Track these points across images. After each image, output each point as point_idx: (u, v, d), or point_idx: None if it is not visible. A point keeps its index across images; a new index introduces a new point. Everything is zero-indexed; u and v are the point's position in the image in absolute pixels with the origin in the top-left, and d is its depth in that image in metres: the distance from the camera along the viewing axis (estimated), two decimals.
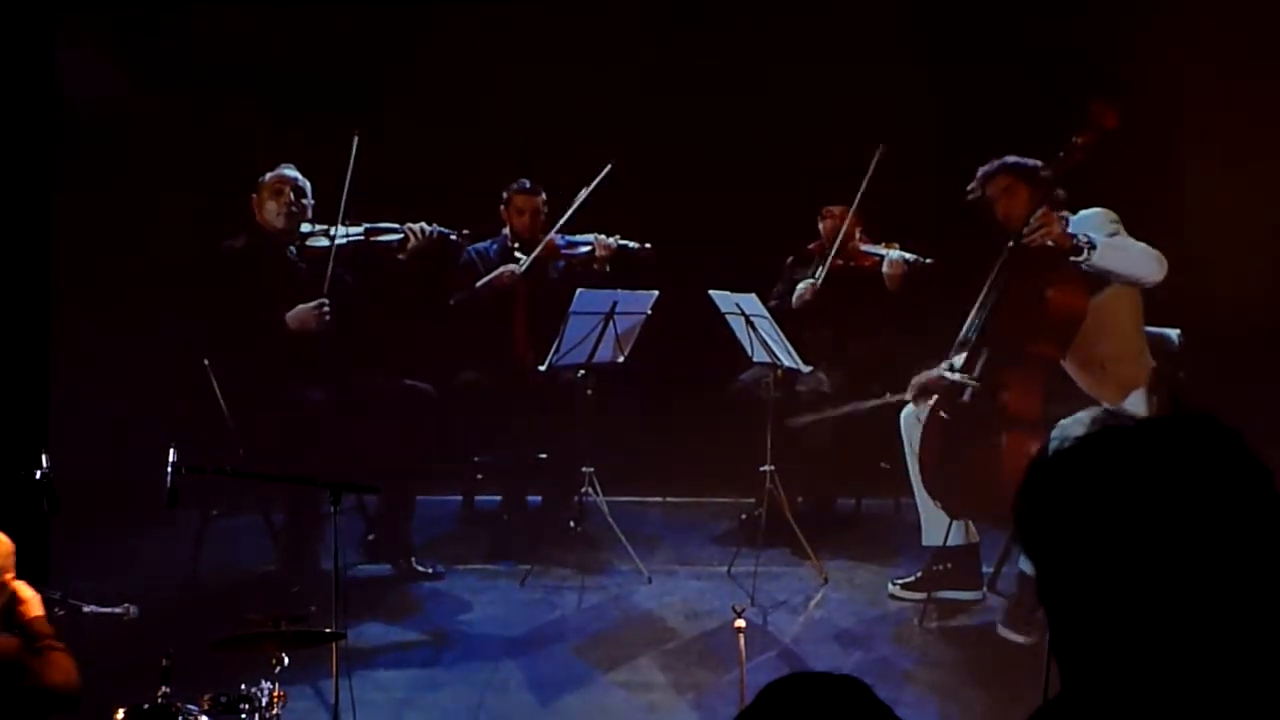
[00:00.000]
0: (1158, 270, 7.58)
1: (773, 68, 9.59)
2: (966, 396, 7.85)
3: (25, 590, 6.22)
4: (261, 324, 8.44)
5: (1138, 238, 7.73)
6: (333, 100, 9.09)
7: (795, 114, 9.52)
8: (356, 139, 8.47)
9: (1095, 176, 7.77)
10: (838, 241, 8.99)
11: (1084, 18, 8.99)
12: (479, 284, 9.11)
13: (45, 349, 8.80)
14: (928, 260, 8.77)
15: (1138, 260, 7.58)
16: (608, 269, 9.12)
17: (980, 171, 7.98)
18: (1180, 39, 8.58)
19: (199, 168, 8.93)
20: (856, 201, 8.88)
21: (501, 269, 9.11)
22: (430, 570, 8.77)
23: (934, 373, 8.19)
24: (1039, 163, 7.92)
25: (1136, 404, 7.74)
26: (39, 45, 8.88)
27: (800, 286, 9.07)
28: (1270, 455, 1.76)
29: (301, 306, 8.52)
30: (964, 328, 8.14)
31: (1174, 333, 8.04)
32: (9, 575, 6.17)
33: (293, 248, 8.68)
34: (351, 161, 8.48)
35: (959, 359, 8.07)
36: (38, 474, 7.20)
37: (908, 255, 8.83)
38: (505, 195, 9.29)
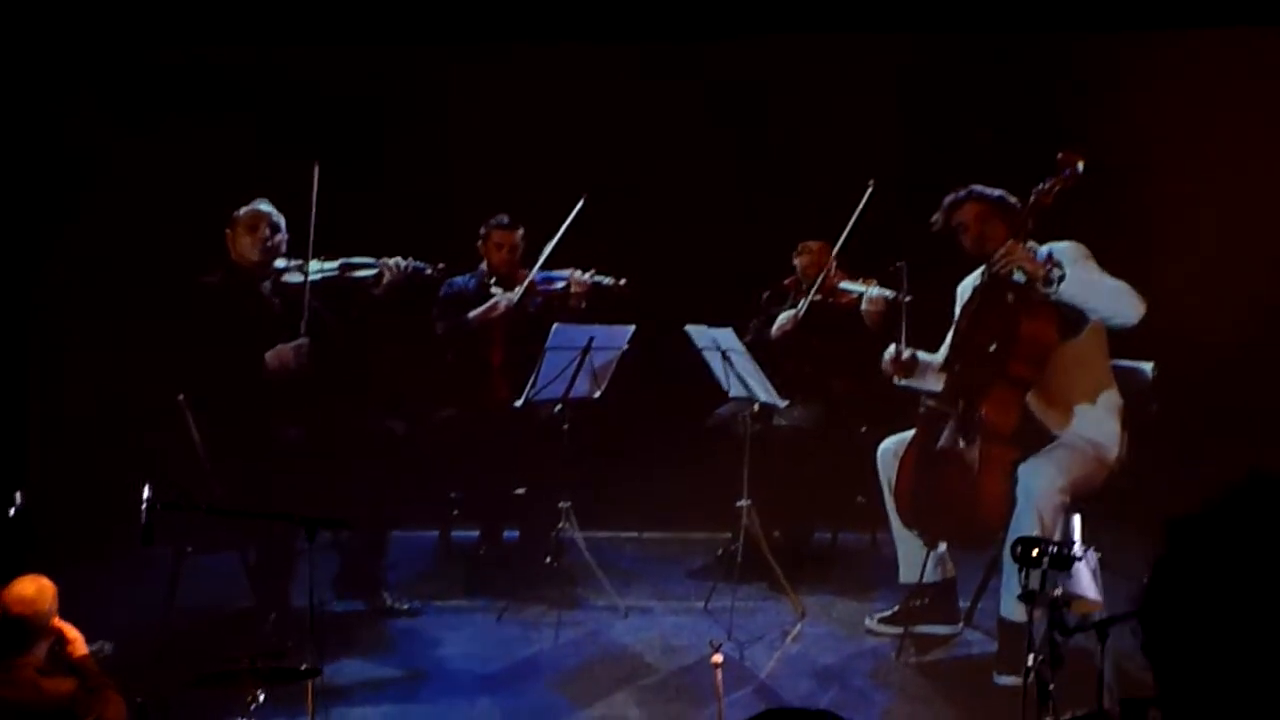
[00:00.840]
0: (1132, 307, 7.55)
1: (748, 105, 9.64)
2: (946, 429, 7.85)
3: (71, 631, 6.32)
4: (237, 360, 8.40)
5: (1111, 273, 7.73)
6: (309, 135, 9.10)
7: (771, 150, 9.58)
8: (317, 169, 8.42)
9: (1064, 212, 7.80)
10: (822, 276, 9.02)
11: (1054, 63, 9.06)
12: (471, 315, 9.12)
13: (23, 384, 8.78)
14: (907, 298, 8.79)
15: (1110, 295, 7.57)
16: (583, 305, 9.14)
17: (946, 200, 7.99)
18: (1149, 80, 8.65)
19: (175, 202, 8.93)
20: (844, 237, 8.90)
21: (495, 300, 9.12)
22: (405, 606, 8.76)
23: (907, 353, 8.16)
24: (1004, 192, 7.94)
25: (1109, 440, 7.75)
26: (25, 83, 8.87)
27: (781, 317, 9.11)
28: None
29: (281, 346, 8.47)
30: (940, 351, 8.15)
31: (1147, 366, 8.06)
32: (55, 619, 6.24)
33: (267, 283, 8.65)
34: (314, 191, 8.44)
35: (938, 382, 8.07)
36: (12, 511, 7.20)
37: (886, 292, 8.86)
38: (483, 230, 9.31)
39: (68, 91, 9.08)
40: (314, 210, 8.46)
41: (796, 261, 9.32)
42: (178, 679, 6.68)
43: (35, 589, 6.26)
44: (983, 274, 7.90)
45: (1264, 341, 8.77)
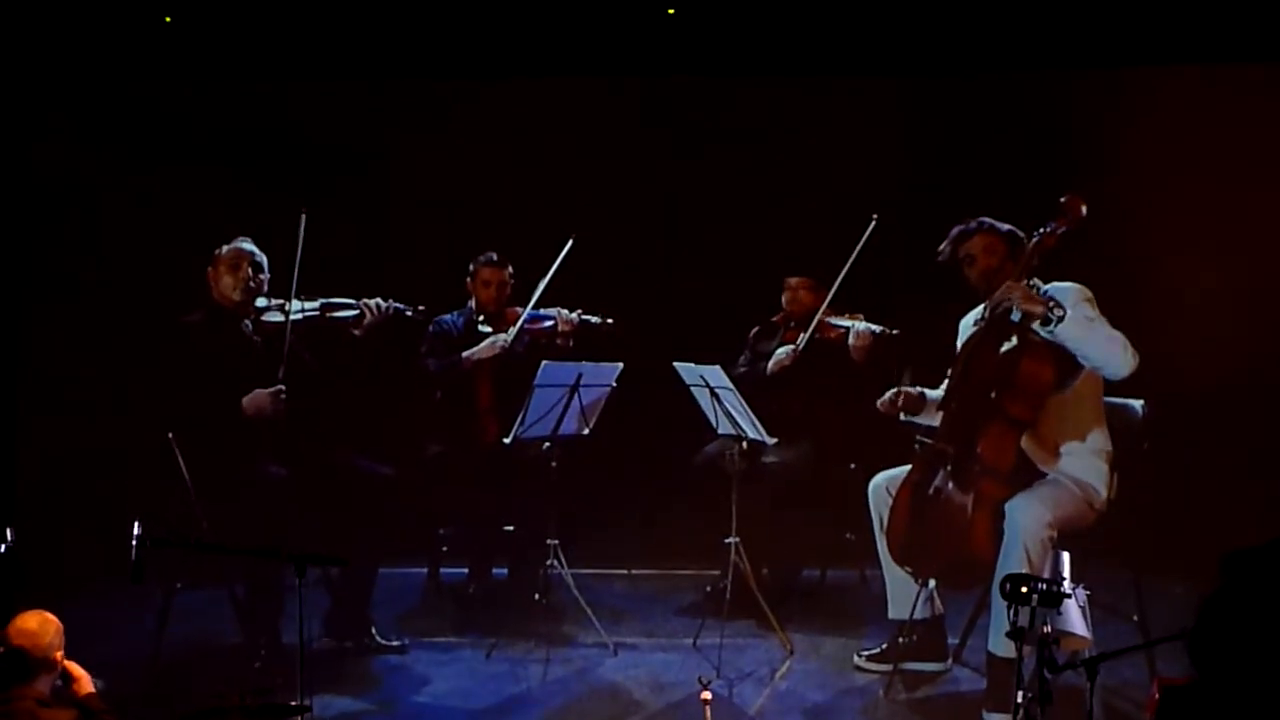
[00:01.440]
0: (1125, 361, 7.53)
1: (736, 143, 9.69)
2: (942, 468, 7.86)
3: (77, 670, 6.35)
4: (219, 399, 8.38)
5: (1103, 309, 7.75)
6: (292, 173, 9.13)
7: (758, 187, 9.62)
8: (304, 218, 8.43)
9: (1061, 252, 7.82)
10: (820, 312, 9.04)
11: (1055, 103, 9.10)
12: (466, 354, 9.13)
13: (11, 422, 8.78)
14: (894, 332, 8.82)
15: (1104, 344, 7.56)
16: (571, 344, 9.16)
17: (954, 231, 7.98)
18: (1146, 120, 8.71)
19: (159, 240, 8.94)
20: (845, 271, 8.92)
21: (492, 339, 9.13)
22: (395, 643, 8.74)
23: (914, 390, 8.17)
24: (1014, 227, 7.95)
25: (1097, 481, 7.76)
26: (5, 118, 8.89)
27: (780, 353, 9.12)
28: (1236, 520, 1.78)
29: (259, 391, 8.42)
30: (941, 388, 8.16)
31: (1138, 404, 8.08)
32: (59, 653, 6.27)
33: (248, 322, 8.63)
34: (300, 240, 8.44)
35: (936, 419, 8.08)
36: (2, 548, 7.18)
37: (874, 327, 8.89)
38: (471, 268, 9.33)
39: (51, 129, 9.10)
40: (299, 255, 8.45)
41: (784, 298, 9.35)
42: (168, 715, 6.69)
43: (38, 622, 6.29)
44: (985, 309, 7.90)
45: (1255, 381, 8.82)
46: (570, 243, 8.99)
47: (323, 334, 8.79)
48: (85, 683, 6.30)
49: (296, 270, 8.46)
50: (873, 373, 8.72)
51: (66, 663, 6.32)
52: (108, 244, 9.03)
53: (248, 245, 8.61)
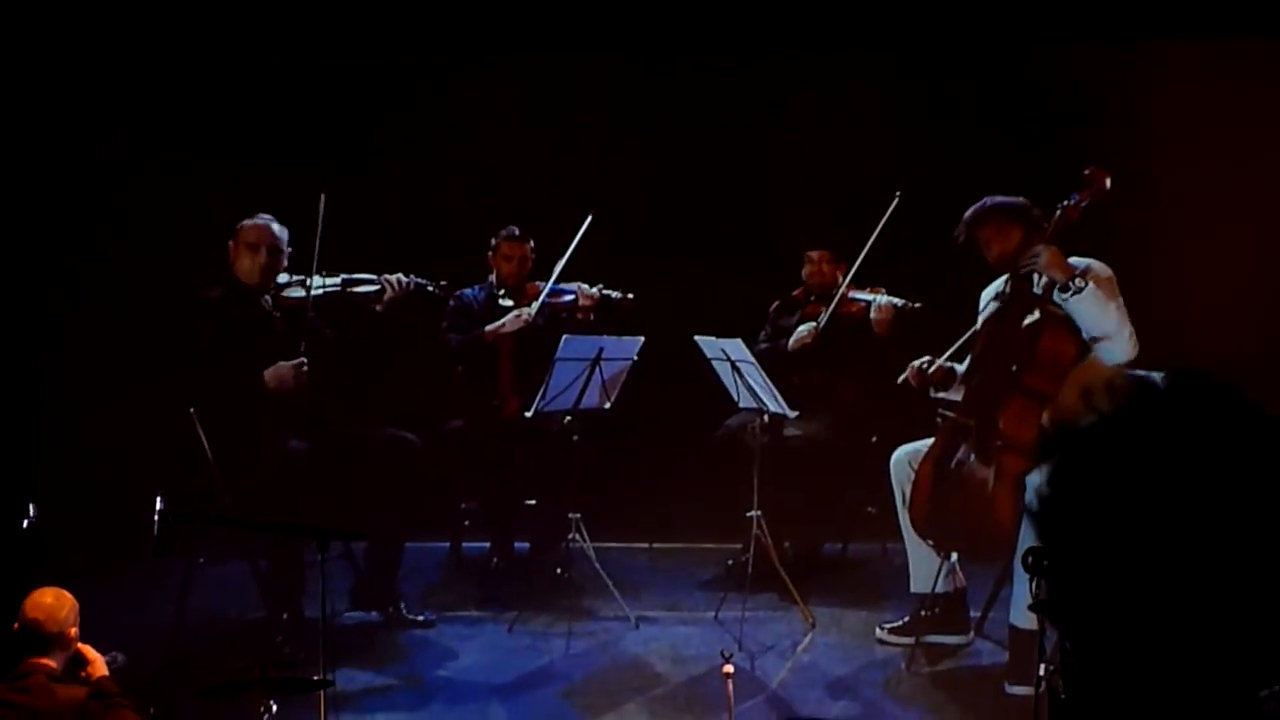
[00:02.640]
0: (1125, 349, 7.53)
1: (754, 115, 9.66)
2: (964, 442, 7.84)
3: (91, 653, 6.36)
4: (239, 374, 8.39)
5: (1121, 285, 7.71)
6: (316, 149, 9.13)
7: (778, 160, 9.59)
8: (324, 200, 8.42)
9: (1084, 226, 7.80)
10: (842, 287, 9.01)
11: (1079, 76, 9.04)
12: (489, 329, 9.12)
13: (34, 398, 8.79)
14: (916, 305, 8.79)
15: (1113, 323, 7.54)
16: (591, 318, 9.15)
17: (968, 214, 7.95)
18: (1158, 92, 8.66)
19: (180, 216, 8.94)
20: (868, 247, 8.89)
21: (516, 313, 9.11)
22: (421, 618, 8.76)
23: (944, 364, 8.15)
24: (1026, 200, 7.91)
25: None
26: (32, 97, 8.89)
27: (802, 329, 9.08)
28: None
29: (280, 364, 8.44)
30: (963, 364, 8.15)
31: (1158, 376, 8.03)
32: (74, 630, 6.27)
33: (268, 297, 8.64)
34: (320, 218, 8.43)
35: (959, 392, 8.07)
36: (25, 523, 7.22)
37: (896, 300, 8.86)
38: (493, 242, 9.31)
39: (75, 107, 9.10)
40: (319, 232, 8.45)
41: (804, 271, 9.31)
42: (190, 689, 6.72)
43: (54, 597, 6.31)
44: (1005, 283, 7.87)
45: (1274, 354, 8.77)
46: (590, 218, 8.98)
47: (344, 309, 8.80)
48: (100, 665, 6.31)
49: (318, 246, 8.47)
50: (895, 346, 8.69)
51: (81, 646, 6.32)
52: (129, 221, 9.03)
53: (268, 221, 8.61)
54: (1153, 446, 1.70)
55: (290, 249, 8.62)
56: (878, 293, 8.97)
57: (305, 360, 8.45)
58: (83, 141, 9.09)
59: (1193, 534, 1.66)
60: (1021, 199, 7.93)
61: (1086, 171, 7.71)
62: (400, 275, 8.81)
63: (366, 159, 9.44)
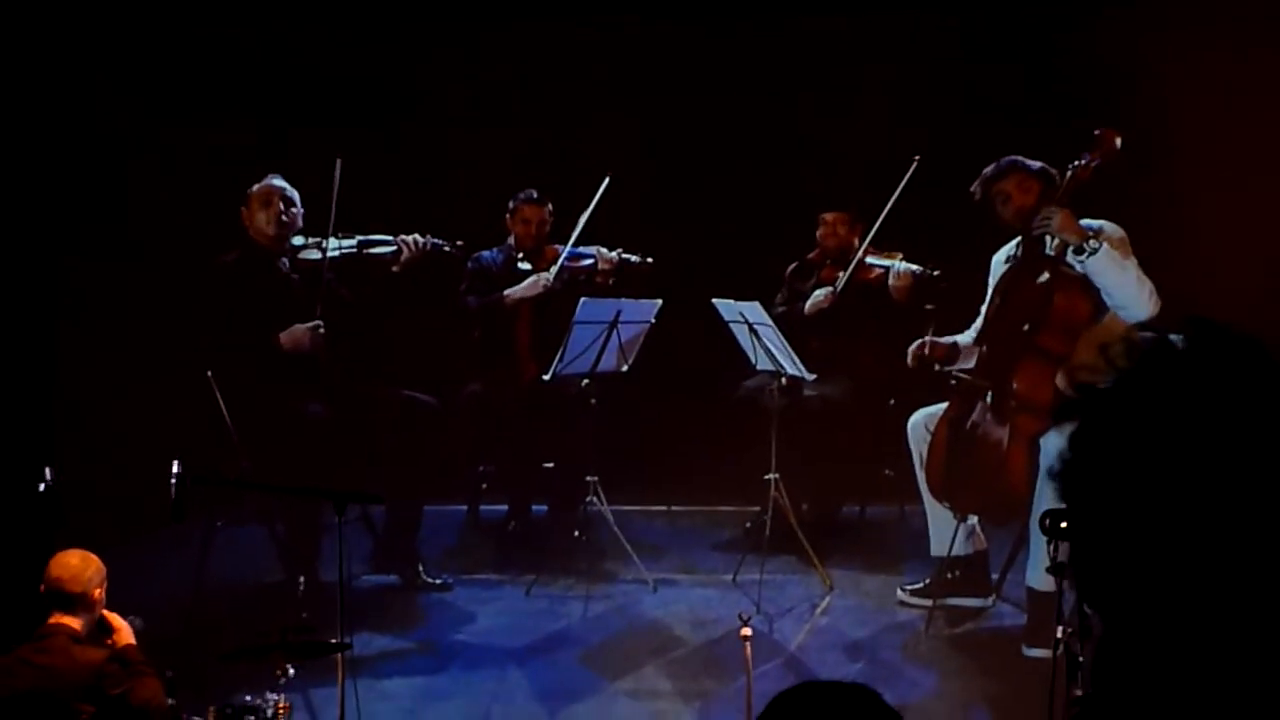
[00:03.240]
0: (1144, 306, 7.51)
1: (771, 80, 9.62)
2: (980, 404, 7.83)
3: (116, 620, 6.36)
4: (257, 338, 8.40)
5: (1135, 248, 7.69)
6: (333, 110, 9.11)
7: (794, 123, 9.55)
8: (339, 165, 8.41)
9: (1091, 199, 7.78)
10: (860, 252, 8.97)
11: (1088, 41, 8.98)
12: (508, 292, 9.09)
13: (51, 362, 8.80)
14: (934, 272, 8.75)
15: (1130, 286, 7.52)
16: (610, 282, 9.12)
17: (986, 171, 7.93)
18: (1177, 62, 8.60)
19: (196, 181, 8.94)
20: (886, 212, 8.85)
21: (535, 278, 9.09)
22: (439, 581, 8.77)
23: (944, 340, 8.15)
24: (1045, 164, 7.91)
25: None
26: (45, 66, 8.88)
27: (819, 294, 9.04)
28: None
29: (296, 326, 8.46)
30: (972, 328, 8.14)
31: (1175, 339, 8.00)
32: (98, 592, 6.27)
33: (285, 260, 8.64)
34: (336, 182, 8.42)
35: (970, 358, 8.06)
36: (42, 486, 7.22)
37: (914, 266, 8.82)
38: (511, 205, 9.28)
39: (88, 75, 9.09)
40: (335, 195, 8.43)
41: (820, 234, 9.28)
42: (208, 652, 6.74)
43: (80, 558, 6.31)
44: (1017, 245, 7.85)
45: None
46: (606, 181, 8.95)
47: (361, 271, 8.79)
48: (125, 633, 6.32)
49: (334, 208, 8.46)
50: (913, 312, 8.66)
51: (106, 613, 6.33)
52: (146, 187, 9.02)
53: (278, 181, 8.61)
54: (1174, 405, 1.68)
55: (302, 209, 8.61)
56: (895, 258, 8.93)
57: (321, 322, 8.45)
58: (99, 108, 9.09)
59: (1217, 494, 1.64)
60: (1040, 162, 7.93)
61: (1097, 132, 7.69)
62: (416, 236, 8.79)
63: (382, 121, 9.41)
